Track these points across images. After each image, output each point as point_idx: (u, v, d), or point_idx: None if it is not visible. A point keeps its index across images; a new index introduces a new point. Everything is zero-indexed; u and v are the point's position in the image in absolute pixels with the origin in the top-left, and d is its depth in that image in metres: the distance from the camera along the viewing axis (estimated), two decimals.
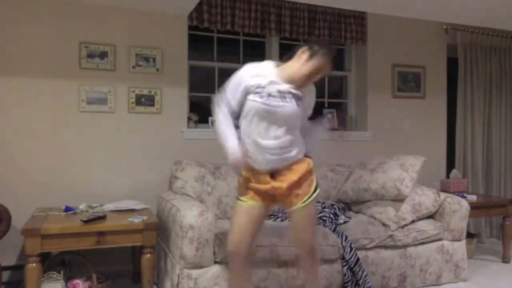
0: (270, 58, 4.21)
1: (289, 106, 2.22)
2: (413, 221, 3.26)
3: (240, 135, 2.31)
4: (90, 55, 3.46)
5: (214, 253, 2.73)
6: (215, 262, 2.74)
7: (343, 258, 2.98)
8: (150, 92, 3.63)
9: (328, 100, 4.54)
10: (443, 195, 3.42)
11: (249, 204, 2.33)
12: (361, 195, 3.50)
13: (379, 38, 4.44)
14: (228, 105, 2.32)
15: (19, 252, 3.26)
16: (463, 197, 3.85)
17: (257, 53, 4.24)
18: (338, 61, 4.63)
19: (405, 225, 3.21)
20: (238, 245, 2.33)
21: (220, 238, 2.72)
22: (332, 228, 3.08)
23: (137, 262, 3.20)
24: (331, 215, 3.26)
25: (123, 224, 2.65)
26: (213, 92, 4.06)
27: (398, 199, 3.29)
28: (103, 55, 3.49)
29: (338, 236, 3.01)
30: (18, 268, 3.16)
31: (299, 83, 2.24)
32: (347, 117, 4.54)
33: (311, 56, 2.20)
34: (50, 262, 2.87)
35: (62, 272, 2.79)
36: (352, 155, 4.26)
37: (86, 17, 3.45)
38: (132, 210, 3.05)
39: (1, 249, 3.16)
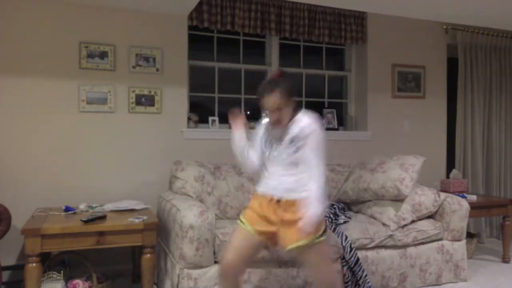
0: (270, 58, 4.24)
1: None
2: (413, 221, 3.26)
3: None
4: (90, 55, 3.46)
5: (214, 253, 2.73)
6: (215, 262, 2.74)
7: (343, 258, 2.98)
8: (150, 92, 3.63)
9: (328, 100, 4.54)
10: (443, 195, 3.42)
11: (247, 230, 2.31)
12: (361, 195, 3.50)
13: (379, 38, 4.44)
14: None
15: (19, 252, 3.26)
16: (463, 197, 3.85)
17: (257, 53, 4.24)
18: (338, 61, 4.64)
19: (405, 225, 3.21)
20: (230, 265, 2.28)
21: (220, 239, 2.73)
22: (332, 228, 3.08)
23: (137, 262, 3.20)
24: (331, 215, 3.26)
25: (123, 224, 2.65)
26: (213, 92, 4.06)
27: (398, 199, 3.29)
28: (103, 55, 3.49)
29: (338, 236, 3.01)
30: (18, 268, 3.16)
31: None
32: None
33: None
34: (50, 262, 2.87)
35: (62, 272, 2.78)
36: (352, 155, 4.26)
37: (86, 17, 3.45)
38: (132, 210, 3.05)
39: (1, 249, 3.16)
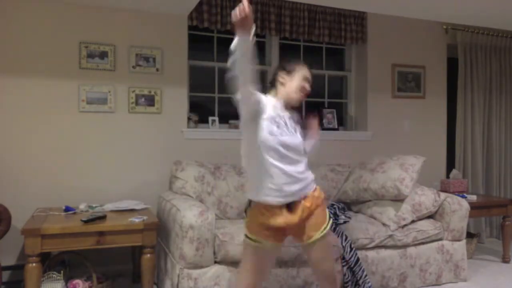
0: (270, 58, 4.24)
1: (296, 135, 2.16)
2: (413, 221, 3.26)
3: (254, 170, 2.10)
4: (90, 55, 3.46)
5: (214, 253, 2.73)
6: (215, 262, 2.74)
7: (343, 258, 2.98)
8: (150, 92, 3.63)
9: (328, 100, 4.54)
10: (443, 195, 3.42)
11: (261, 244, 2.11)
12: (361, 195, 3.50)
13: (379, 38, 4.44)
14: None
15: (19, 252, 3.26)
16: (463, 197, 3.85)
17: (257, 53, 4.23)
18: (338, 61, 4.64)
19: (405, 225, 3.21)
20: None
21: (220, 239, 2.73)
22: (332, 228, 3.08)
23: (137, 262, 3.20)
24: (331, 215, 3.26)
25: (123, 224, 2.65)
26: (213, 92, 4.06)
27: (398, 199, 3.29)
28: (103, 55, 3.49)
29: (338, 236, 3.01)
30: (18, 268, 3.16)
31: (296, 100, 2.18)
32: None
33: (290, 72, 2.17)
34: (50, 262, 2.87)
35: (62, 272, 2.79)
36: (352, 155, 4.26)
37: (86, 17, 3.45)
38: (132, 210, 3.05)
39: (1, 249, 3.16)
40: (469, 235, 3.96)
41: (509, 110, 4.98)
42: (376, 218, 3.30)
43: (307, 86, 2.20)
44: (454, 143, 4.73)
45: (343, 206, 3.51)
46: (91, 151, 3.47)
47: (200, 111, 3.94)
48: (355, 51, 4.57)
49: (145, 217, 2.76)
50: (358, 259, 2.99)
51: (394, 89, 4.51)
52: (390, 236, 3.14)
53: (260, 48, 4.25)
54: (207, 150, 3.79)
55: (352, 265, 2.98)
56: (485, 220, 4.79)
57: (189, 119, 3.83)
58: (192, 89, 3.95)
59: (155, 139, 3.65)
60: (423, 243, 3.27)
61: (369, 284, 3.00)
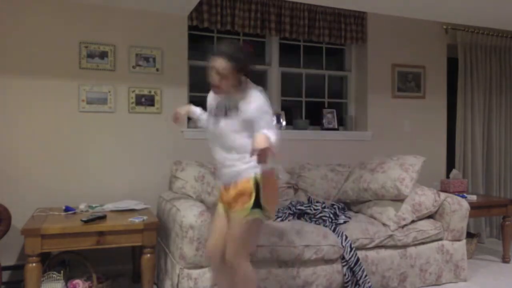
0: (270, 58, 4.24)
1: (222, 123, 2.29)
2: (413, 221, 3.26)
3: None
4: (90, 55, 3.46)
5: None
6: None
7: (343, 258, 2.98)
8: (150, 92, 3.63)
9: (328, 100, 4.54)
10: (443, 195, 3.42)
11: (217, 206, 2.47)
12: (361, 195, 3.50)
13: (379, 38, 4.44)
14: None
15: (19, 252, 3.26)
16: (463, 197, 3.85)
17: (257, 53, 4.24)
18: (338, 61, 4.64)
19: (405, 225, 3.21)
20: (212, 249, 2.40)
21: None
22: (332, 228, 3.08)
23: (137, 262, 3.20)
24: (331, 215, 3.26)
25: (123, 224, 2.65)
26: None
27: (398, 199, 3.29)
28: (103, 55, 3.49)
29: (338, 236, 3.01)
30: (18, 268, 3.16)
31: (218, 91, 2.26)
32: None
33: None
34: (50, 262, 2.87)
35: (62, 272, 2.79)
36: (352, 155, 4.26)
37: (86, 17, 3.45)
38: (132, 210, 3.05)
39: (1, 249, 3.16)
40: (469, 235, 3.96)
41: (509, 110, 4.98)
42: (376, 218, 3.30)
43: (212, 78, 2.20)
44: (454, 143, 4.73)
45: (343, 206, 3.52)
46: (91, 151, 3.47)
47: None
48: (355, 51, 4.57)
49: (145, 217, 2.76)
50: (358, 259, 2.99)
51: (394, 89, 4.51)
52: (390, 236, 3.14)
53: (260, 48, 4.26)
54: (207, 150, 3.75)
55: (352, 265, 2.98)
56: (485, 220, 4.79)
57: (189, 119, 3.83)
58: (192, 89, 3.94)
59: (155, 139, 3.65)
60: (423, 243, 3.27)
61: (369, 284, 3.00)
